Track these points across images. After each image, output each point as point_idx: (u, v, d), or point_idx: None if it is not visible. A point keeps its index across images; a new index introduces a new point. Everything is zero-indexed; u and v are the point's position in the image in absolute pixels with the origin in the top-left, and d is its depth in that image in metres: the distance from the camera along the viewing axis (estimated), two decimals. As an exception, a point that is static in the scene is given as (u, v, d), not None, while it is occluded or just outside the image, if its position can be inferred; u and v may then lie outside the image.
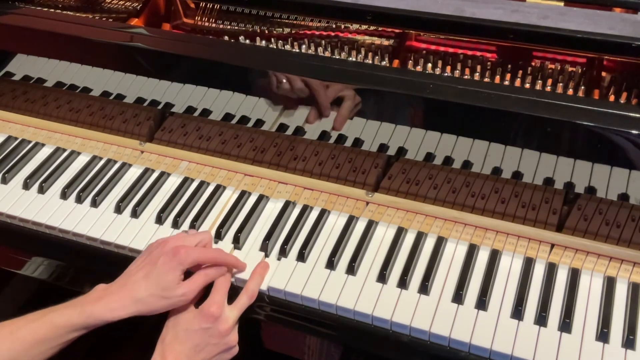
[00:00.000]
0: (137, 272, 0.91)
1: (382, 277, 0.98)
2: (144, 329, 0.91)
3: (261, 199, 1.11)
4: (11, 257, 1.18)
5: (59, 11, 1.31)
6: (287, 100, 1.04)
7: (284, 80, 1.02)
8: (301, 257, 1.01)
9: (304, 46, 1.19)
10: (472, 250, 1.01)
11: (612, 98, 1.05)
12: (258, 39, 1.21)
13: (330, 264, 1.00)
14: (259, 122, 1.08)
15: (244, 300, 0.94)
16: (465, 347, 0.90)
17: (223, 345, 0.90)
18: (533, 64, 1.12)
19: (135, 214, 1.10)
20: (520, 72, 1.10)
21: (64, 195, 1.15)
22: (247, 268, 1.00)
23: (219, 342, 0.89)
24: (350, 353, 1.03)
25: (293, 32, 1.23)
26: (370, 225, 1.06)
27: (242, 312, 0.93)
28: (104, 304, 0.88)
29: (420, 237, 1.03)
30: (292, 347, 1.05)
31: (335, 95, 1.00)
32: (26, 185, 1.17)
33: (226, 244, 1.05)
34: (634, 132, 0.87)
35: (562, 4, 1.10)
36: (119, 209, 1.11)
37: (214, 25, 1.29)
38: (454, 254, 1.01)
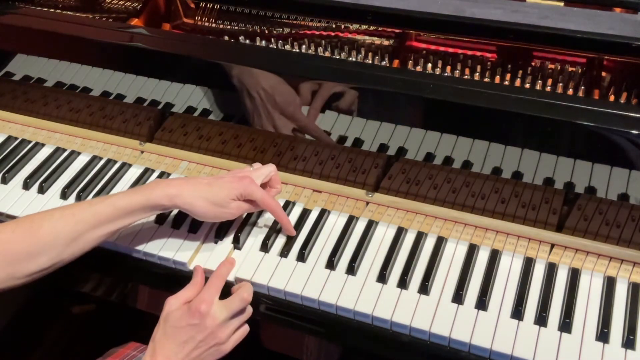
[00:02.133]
0: (203, 179, 0.98)
1: (382, 277, 0.98)
2: (150, 325, 0.92)
3: (261, 199, 1.11)
4: (11, 257, 1.17)
5: (59, 11, 1.31)
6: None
7: (284, 81, 1.02)
8: (301, 257, 1.01)
9: (304, 46, 1.19)
10: (472, 250, 1.01)
11: (612, 98, 1.05)
12: (258, 39, 1.21)
13: (330, 264, 1.00)
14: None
15: (236, 303, 0.93)
16: (465, 347, 0.90)
17: (211, 341, 0.90)
18: (533, 64, 1.12)
19: (135, 214, 1.10)
20: (520, 72, 1.10)
21: (64, 195, 1.15)
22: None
23: (207, 338, 0.89)
24: (350, 353, 1.03)
25: (293, 32, 1.23)
26: (370, 225, 1.06)
27: (234, 314, 0.92)
28: (162, 188, 0.94)
29: (420, 237, 1.03)
30: (291, 347, 1.05)
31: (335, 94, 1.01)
32: (26, 185, 1.17)
33: (226, 244, 1.05)
34: (634, 132, 0.87)
35: (562, 4, 1.10)
36: (119, 209, 1.11)
37: (214, 25, 1.29)
38: (454, 254, 1.01)
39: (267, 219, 1.08)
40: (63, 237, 0.90)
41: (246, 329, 0.95)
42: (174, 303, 0.91)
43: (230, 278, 0.99)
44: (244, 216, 1.08)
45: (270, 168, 1.04)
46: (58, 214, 0.91)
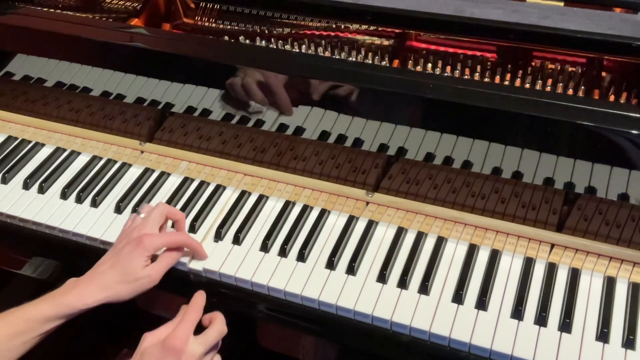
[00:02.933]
0: (104, 263, 0.94)
1: (382, 277, 0.98)
2: (144, 322, 0.92)
3: (261, 198, 1.11)
4: (11, 257, 1.18)
5: (59, 11, 1.31)
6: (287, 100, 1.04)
7: (284, 81, 1.02)
8: (301, 257, 1.01)
9: (304, 46, 1.19)
10: (472, 250, 1.01)
11: (612, 98, 1.05)
12: (258, 39, 1.21)
13: (330, 264, 1.00)
14: (259, 122, 1.08)
15: (213, 336, 0.90)
16: (465, 347, 0.90)
17: None
18: (533, 64, 1.12)
19: (134, 213, 1.10)
20: (520, 72, 1.10)
21: (64, 195, 1.15)
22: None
23: None
24: (350, 353, 1.03)
25: (293, 32, 1.23)
26: (370, 225, 1.06)
27: (211, 346, 0.89)
28: (74, 293, 0.91)
29: (420, 237, 1.03)
30: (290, 347, 1.05)
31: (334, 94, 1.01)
32: (26, 185, 1.17)
33: (226, 243, 1.05)
34: (634, 132, 0.87)
35: (562, 4, 1.10)
36: (119, 209, 1.11)
37: (214, 25, 1.29)
38: (454, 254, 1.01)
39: (267, 219, 1.08)
40: None
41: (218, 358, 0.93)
42: (150, 340, 0.87)
43: (231, 280, 0.99)
44: (243, 216, 1.08)
45: (160, 207, 1.00)
46: None
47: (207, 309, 0.93)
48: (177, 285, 1.00)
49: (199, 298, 0.94)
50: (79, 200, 1.13)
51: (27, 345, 0.89)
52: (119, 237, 0.99)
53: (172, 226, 1.04)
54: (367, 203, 1.09)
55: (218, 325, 0.91)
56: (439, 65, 1.12)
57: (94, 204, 1.13)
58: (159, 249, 0.96)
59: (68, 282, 0.94)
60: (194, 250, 1.01)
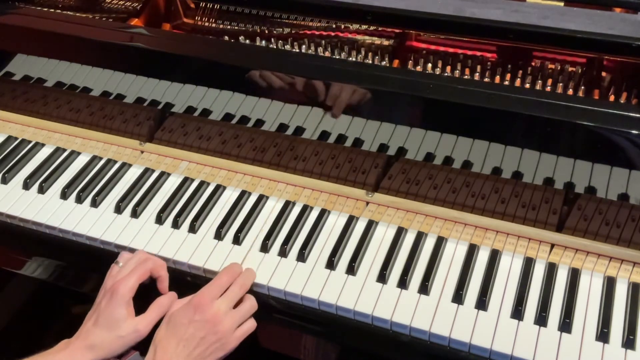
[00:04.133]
0: (87, 322, 0.91)
1: (382, 277, 0.98)
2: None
3: (261, 198, 1.11)
4: (11, 257, 1.18)
5: (59, 11, 1.31)
6: (287, 100, 1.04)
7: (284, 80, 1.02)
8: (301, 257, 1.01)
9: (304, 46, 1.19)
10: (472, 250, 1.01)
11: (612, 98, 1.05)
12: (258, 39, 1.21)
13: (330, 264, 1.00)
14: (259, 122, 1.08)
15: (235, 291, 0.92)
16: (465, 347, 0.90)
17: (213, 336, 0.88)
18: (533, 64, 1.12)
19: (135, 214, 1.10)
20: (520, 72, 1.10)
21: (64, 195, 1.15)
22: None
23: (209, 334, 0.87)
24: (350, 353, 1.03)
25: (293, 32, 1.23)
26: (370, 225, 1.06)
27: (235, 302, 0.91)
28: (62, 356, 0.88)
29: (420, 237, 1.03)
30: (290, 347, 1.05)
31: (336, 94, 1.00)
32: (26, 185, 1.17)
33: (226, 243, 1.05)
34: (634, 132, 0.87)
35: (562, 4, 1.10)
36: (119, 209, 1.11)
37: (214, 25, 1.29)
38: (454, 254, 1.01)
39: (267, 219, 1.08)
40: None
41: (252, 324, 0.94)
42: (176, 305, 0.91)
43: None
44: (243, 216, 1.08)
45: (138, 255, 0.97)
46: None
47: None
48: (177, 286, 1.00)
49: (235, 267, 0.96)
50: (79, 200, 1.13)
51: None
52: (99, 292, 0.95)
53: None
54: (367, 203, 1.09)
55: (240, 280, 0.93)
56: (439, 65, 1.12)
57: (94, 204, 1.13)
58: (134, 289, 0.91)
59: (60, 344, 0.90)
60: (161, 279, 0.96)
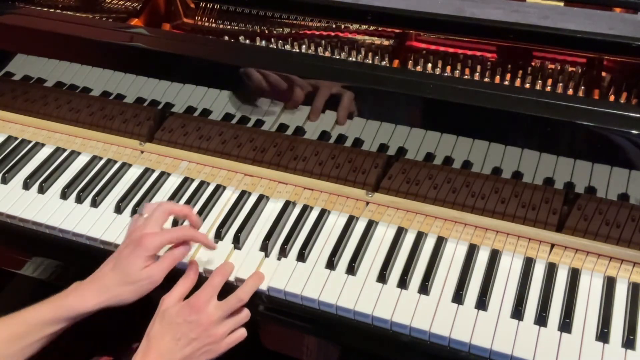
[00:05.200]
0: (105, 265, 0.93)
1: (382, 277, 0.98)
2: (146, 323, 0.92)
3: (261, 199, 1.11)
4: (11, 257, 1.18)
5: (59, 11, 1.31)
6: (287, 100, 1.04)
7: (284, 80, 1.02)
8: (301, 257, 1.01)
9: (304, 46, 1.19)
10: (472, 250, 1.01)
11: (612, 98, 1.05)
12: (258, 39, 1.21)
13: (330, 264, 1.00)
14: (259, 122, 1.08)
15: (232, 302, 0.93)
16: (465, 347, 0.90)
17: (205, 340, 0.89)
18: (533, 64, 1.12)
19: (135, 214, 1.10)
20: (520, 72, 1.10)
21: (64, 195, 1.15)
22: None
23: (201, 337, 0.89)
24: (350, 353, 1.03)
25: (293, 32, 1.23)
26: (370, 225, 1.06)
27: (230, 312, 0.92)
28: (74, 296, 0.91)
29: (420, 237, 1.03)
30: (290, 347, 1.05)
31: (335, 94, 1.00)
32: (26, 185, 1.17)
33: (226, 243, 1.05)
34: (634, 132, 0.87)
35: (562, 4, 1.10)
36: (119, 209, 1.11)
37: (214, 25, 1.29)
38: (454, 254, 1.01)
39: (267, 219, 1.08)
40: None
41: (243, 332, 0.95)
42: (170, 301, 0.91)
43: (231, 278, 0.99)
44: (243, 216, 1.08)
45: (163, 205, 0.97)
46: None
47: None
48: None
49: (227, 265, 0.97)
50: (79, 200, 1.13)
51: (26, 352, 0.88)
52: (124, 240, 0.98)
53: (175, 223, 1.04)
54: (367, 203, 1.09)
55: (238, 293, 0.93)
56: (439, 65, 1.12)
57: (94, 204, 1.13)
58: (160, 248, 0.94)
59: (72, 286, 0.93)
60: (200, 243, 0.99)
